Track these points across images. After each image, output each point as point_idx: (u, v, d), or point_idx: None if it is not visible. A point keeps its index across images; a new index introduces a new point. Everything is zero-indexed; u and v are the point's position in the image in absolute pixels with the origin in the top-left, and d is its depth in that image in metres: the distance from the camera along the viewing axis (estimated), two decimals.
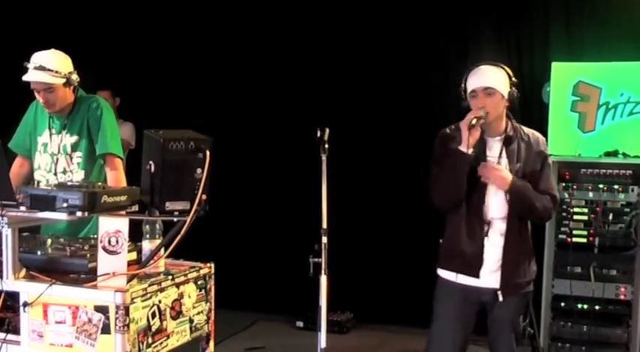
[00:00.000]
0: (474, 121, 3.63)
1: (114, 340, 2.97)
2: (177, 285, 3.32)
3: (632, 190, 5.29)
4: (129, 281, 3.06)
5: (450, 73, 6.53)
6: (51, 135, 4.42)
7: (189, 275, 3.41)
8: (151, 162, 3.11)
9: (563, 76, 5.65)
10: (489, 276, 3.83)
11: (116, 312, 2.95)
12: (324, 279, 3.57)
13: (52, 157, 4.41)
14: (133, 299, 2.99)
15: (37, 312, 3.10)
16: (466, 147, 3.65)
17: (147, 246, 3.32)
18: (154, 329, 3.14)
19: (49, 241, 3.52)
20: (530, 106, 6.19)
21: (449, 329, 3.92)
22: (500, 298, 3.83)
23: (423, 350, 4.13)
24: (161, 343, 3.20)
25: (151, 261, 3.23)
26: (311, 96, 6.84)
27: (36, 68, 4.20)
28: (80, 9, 7.38)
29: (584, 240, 5.38)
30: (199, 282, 3.48)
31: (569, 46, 6.17)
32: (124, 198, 3.19)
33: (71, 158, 4.39)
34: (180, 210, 3.13)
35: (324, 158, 3.69)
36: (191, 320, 3.42)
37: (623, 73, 5.56)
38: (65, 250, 3.36)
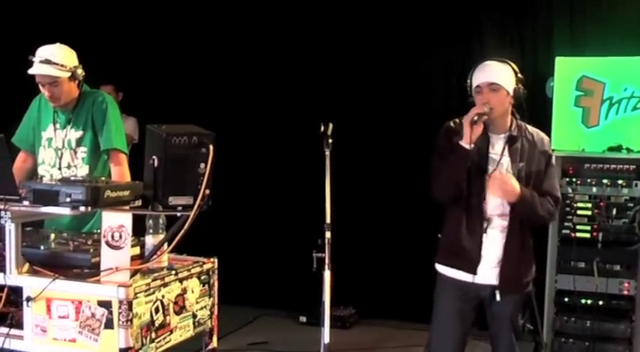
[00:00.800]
0: (475, 117, 3.61)
1: (117, 335, 2.97)
2: (181, 280, 3.32)
3: (636, 185, 5.27)
4: (132, 276, 3.06)
5: (454, 69, 6.55)
6: (55, 129, 4.42)
7: (193, 270, 3.42)
8: (154, 156, 3.12)
9: (567, 71, 5.63)
10: (488, 273, 3.81)
11: (119, 307, 2.96)
12: (327, 274, 3.57)
13: (56, 152, 4.41)
14: (136, 294, 2.99)
15: (41, 307, 3.10)
16: (467, 143, 3.62)
17: (150, 240, 3.33)
18: (157, 324, 3.14)
19: (53, 236, 3.53)
20: (533, 101, 6.18)
21: (448, 324, 3.92)
22: (498, 297, 3.81)
23: (425, 346, 4.13)
24: (164, 338, 3.20)
25: (154, 256, 3.23)
26: (315, 91, 6.83)
27: (41, 61, 4.21)
28: (84, 4, 7.36)
29: (587, 235, 5.36)
30: (202, 277, 3.48)
31: (573, 41, 6.15)
32: (127, 192, 3.19)
33: (76, 153, 4.39)
34: (184, 205, 3.13)
35: (327, 153, 3.68)
36: (194, 315, 3.43)
37: (627, 68, 5.54)
38: (68, 245, 3.37)
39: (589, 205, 5.37)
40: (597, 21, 6.08)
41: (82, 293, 3.03)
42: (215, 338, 3.62)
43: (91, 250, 3.22)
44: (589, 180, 5.37)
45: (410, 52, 6.64)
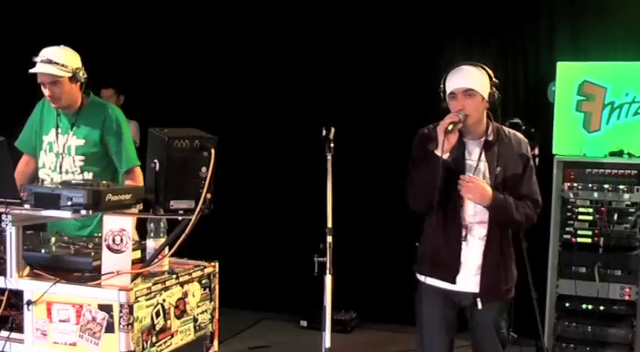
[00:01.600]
0: (450, 127, 3.53)
1: (118, 339, 2.96)
2: (182, 284, 3.31)
3: (638, 190, 5.28)
4: (133, 279, 3.05)
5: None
6: (57, 134, 4.41)
7: (194, 274, 3.41)
8: (155, 160, 3.11)
9: (569, 76, 5.63)
10: (468, 281, 3.77)
11: (120, 311, 2.95)
12: (329, 279, 3.56)
13: (57, 156, 4.41)
14: (137, 297, 2.98)
15: (41, 311, 3.09)
16: (441, 152, 3.55)
17: (151, 244, 3.32)
18: (157, 328, 3.13)
19: (53, 239, 3.52)
20: (535, 106, 6.20)
21: (437, 333, 3.88)
22: (480, 306, 3.77)
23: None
24: (165, 342, 3.19)
25: (155, 260, 3.22)
26: (317, 95, 6.83)
27: (43, 61, 4.21)
28: (85, 7, 7.37)
29: (588, 240, 5.37)
30: (203, 281, 3.47)
31: (575, 46, 6.16)
32: (128, 196, 3.18)
33: (74, 160, 4.39)
34: (185, 209, 3.12)
35: (329, 157, 3.67)
36: (195, 319, 3.42)
37: (629, 73, 5.55)
38: (69, 248, 3.36)
39: (590, 210, 5.37)
40: (599, 26, 6.09)
41: (82, 296, 3.02)
42: (216, 342, 3.61)
43: (92, 254, 3.21)
44: (590, 185, 5.38)
45: (412, 56, 6.64)
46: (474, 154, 3.75)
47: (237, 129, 6.85)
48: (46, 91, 4.30)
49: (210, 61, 7.25)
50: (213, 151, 3.11)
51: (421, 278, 3.93)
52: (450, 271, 3.76)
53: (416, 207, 3.79)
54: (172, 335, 3.24)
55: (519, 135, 3.88)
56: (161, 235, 3.31)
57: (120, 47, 7.28)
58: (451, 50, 6.49)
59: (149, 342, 3.08)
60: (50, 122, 4.46)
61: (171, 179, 3.10)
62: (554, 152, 5.52)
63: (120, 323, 2.95)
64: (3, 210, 3.05)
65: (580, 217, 5.39)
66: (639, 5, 5.98)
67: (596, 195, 5.36)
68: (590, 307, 5.36)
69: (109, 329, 2.98)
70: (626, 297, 5.30)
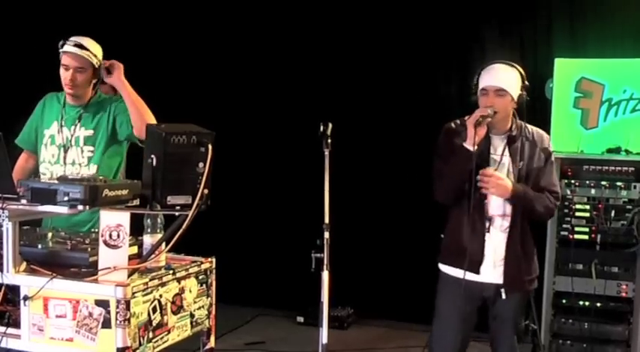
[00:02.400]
0: (480, 119, 3.64)
1: (114, 334, 2.96)
2: (179, 280, 3.31)
3: (635, 187, 5.27)
4: (130, 275, 3.05)
5: (453, 69, 6.56)
6: (61, 127, 4.40)
7: (191, 270, 3.40)
8: (152, 155, 3.10)
9: (566, 72, 5.62)
10: (491, 272, 3.85)
11: (117, 306, 2.94)
12: (326, 275, 3.56)
13: (59, 149, 4.39)
14: (133, 293, 2.97)
15: (38, 306, 3.09)
16: (471, 145, 3.65)
17: (148, 240, 3.32)
18: (154, 323, 3.13)
19: (50, 235, 3.51)
20: (532, 102, 6.17)
21: (450, 324, 3.94)
22: (504, 296, 3.84)
23: (425, 345, 4.13)
24: (162, 338, 3.19)
25: (152, 256, 3.22)
26: (314, 90, 6.83)
27: (75, 45, 4.25)
28: (84, 4, 7.35)
29: (585, 237, 5.36)
30: (200, 277, 3.47)
31: (573, 43, 6.16)
32: (125, 191, 3.17)
33: (82, 151, 4.38)
34: (182, 205, 3.12)
35: (326, 153, 3.67)
36: (192, 315, 3.42)
37: (627, 70, 5.54)
38: (66, 244, 3.35)
39: (587, 207, 5.37)
40: (597, 23, 6.09)
41: (79, 292, 3.01)
42: (212, 338, 3.61)
43: (89, 249, 3.21)
44: (587, 182, 5.38)
45: (409, 52, 6.64)
46: (498, 149, 3.86)
47: (234, 124, 6.84)
48: (67, 75, 4.28)
49: (207, 56, 7.24)
50: (210, 147, 3.11)
51: (443, 268, 4.00)
52: (474, 261, 3.82)
53: (445, 200, 3.91)
54: (169, 331, 3.24)
55: (541, 131, 4.03)
56: (158, 231, 3.31)
57: (117, 43, 7.24)
58: (449, 47, 6.50)
59: (146, 338, 3.07)
60: (52, 116, 4.45)
61: (168, 174, 3.09)
62: (551, 149, 5.51)
63: (117, 319, 2.95)
64: (0, 205, 3.05)
65: (577, 214, 5.38)
66: (637, 2, 5.98)
67: (593, 191, 5.36)
68: (587, 304, 5.35)
69: (106, 324, 2.97)
70: (623, 294, 5.29)
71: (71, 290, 3.03)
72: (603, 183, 5.33)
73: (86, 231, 4.18)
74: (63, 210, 3.01)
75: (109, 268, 2.99)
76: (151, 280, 3.11)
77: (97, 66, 4.32)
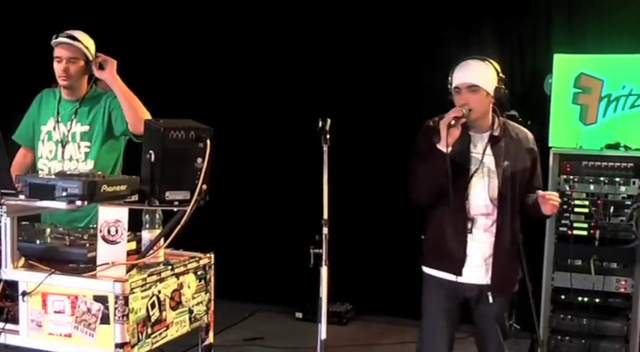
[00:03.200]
0: (452, 122, 3.56)
1: (113, 330, 2.96)
2: (177, 275, 3.31)
3: (634, 183, 5.28)
4: (128, 271, 3.05)
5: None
6: (57, 122, 4.42)
7: (189, 266, 3.40)
8: (151, 151, 3.09)
9: (565, 68, 5.62)
10: (473, 273, 3.80)
11: (115, 302, 2.94)
12: (324, 271, 3.55)
13: (56, 145, 4.41)
14: (132, 289, 2.97)
15: (36, 302, 3.09)
16: (445, 147, 3.58)
17: (146, 235, 3.31)
18: (153, 319, 3.13)
19: (48, 230, 3.51)
20: (532, 98, 6.19)
21: (439, 326, 3.91)
22: (491, 299, 3.80)
23: (417, 342, 4.14)
24: (160, 333, 3.19)
25: (151, 251, 3.22)
26: (313, 86, 6.82)
27: (68, 37, 4.30)
28: (82, 1, 7.34)
29: (584, 233, 5.36)
30: (199, 273, 3.47)
31: (572, 38, 6.15)
32: (123, 187, 3.18)
33: (79, 147, 4.39)
34: (181, 200, 3.11)
35: (325, 149, 3.66)
36: (190, 311, 3.41)
37: (625, 66, 5.54)
38: (64, 239, 3.35)
39: (586, 203, 5.37)
40: (596, 18, 6.08)
41: (78, 288, 3.01)
42: (211, 334, 3.61)
43: (87, 245, 3.21)
44: (586, 178, 5.38)
45: (408, 47, 6.64)
46: (479, 147, 3.79)
47: (233, 120, 6.83)
48: (60, 66, 4.31)
49: (206, 52, 7.23)
50: (209, 142, 3.10)
51: (426, 270, 3.96)
52: (456, 263, 3.79)
53: (418, 199, 3.85)
54: (168, 327, 3.24)
55: (525, 130, 3.94)
56: (157, 226, 3.31)
57: (116, 38, 7.23)
58: (447, 42, 6.49)
59: (144, 334, 3.07)
60: (49, 112, 4.47)
61: (166, 170, 3.08)
62: (550, 144, 5.51)
63: (115, 315, 2.95)
64: None
65: (576, 210, 5.39)
66: None
67: (592, 187, 5.36)
68: (585, 300, 5.36)
69: (104, 320, 2.97)
70: (622, 290, 5.30)
71: (70, 285, 3.03)
72: (602, 178, 5.33)
73: (84, 226, 4.21)
74: (61, 205, 3.01)
75: (108, 264, 2.99)
76: (149, 276, 3.11)
77: (89, 58, 4.35)
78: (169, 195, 3.10)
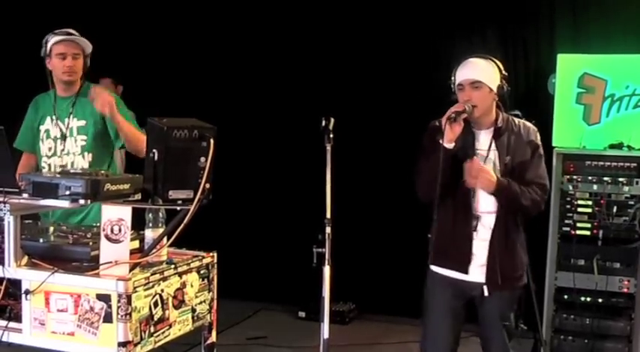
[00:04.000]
0: (453, 115, 3.59)
1: (116, 329, 2.96)
2: (180, 274, 3.31)
3: (637, 183, 5.27)
4: (131, 269, 3.05)
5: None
6: (54, 120, 4.51)
7: (192, 265, 3.40)
8: (154, 150, 3.10)
9: (569, 68, 5.61)
10: (478, 271, 3.80)
11: (118, 301, 2.95)
12: (327, 270, 3.56)
13: (54, 141, 4.51)
14: (135, 287, 2.98)
15: (39, 300, 3.09)
16: (447, 142, 3.60)
17: (149, 234, 3.32)
18: (156, 318, 3.13)
19: (52, 229, 3.52)
20: (535, 98, 6.19)
21: (442, 323, 3.91)
22: (486, 293, 3.79)
23: (419, 342, 4.13)
24: (163, 332, 3.19)
25: (154, 250, 3.22)
26: (316, 85, 6.82)
27: (68, 34, 4.43)
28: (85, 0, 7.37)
29: (587, 233, 5.36)
30: (202, 271, 3.47)
31: (575, 38, 6.14)
32: (127, 186, 3.18)
33: (76, 140, 4.48)
34: (184, 199, 3.11)
35: (328, 148, 3.66)
36: (193, 310, 3.42)
37: (629, 66, 5.53)
38: (68, 238, 3.35)
39: (589, 203, 5.36)
40: (599, 18, 6.07)
41: (81, 286, 3.02)
42: (214, 333, 3.61)
43: (91, 243, 3.21)
44: (590, 178, 5.37)
45: (411, 46, 6.63)
46: (484, 144, 3.80)
47: (237, 119, 6.83)
48: (65, 62, 4.41)
49: (209, 50, 7.23)
50: (212, 141, 3.10)
51: (433, 268, 3.96)
52: (462, 261, 3.79)
53: (424, 197, 3.84)
54: (170, 326, 3.24)
55: (528, 124, 3.93)
56: (160, 225, 3.31)
57: (118, 37, 7.25)
58: (451, 41, 6.47)
59: (147, 332, 3.08)
60: (46, 112, 4.57)
61: (170, 169, 3.09)
62: (553, 144, 5.50)
63: (118, 313, 2.95)
64: (1, 199, 3.06)
65: (579, 210, 5.38)
66: None
67: (595, 187, 5.35)
68: (588, 299, 5.35)
69: (107, 319, 2.97)
70: (625, 290, 5.29)
71: (72, 284, 3.03)
72: (605, 178, 5.33)
73: (79, 220, 4.27)
74: (64, 204, 3.02)
75: (111, 262, 3.00)
76: (152, 274, 3.11)
77: (87, 53, 4.47)
78: (172, 193, 3.10)
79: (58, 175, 3.15)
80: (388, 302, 6.71)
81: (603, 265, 5.32)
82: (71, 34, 4.42)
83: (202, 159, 3.11)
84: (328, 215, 3.59)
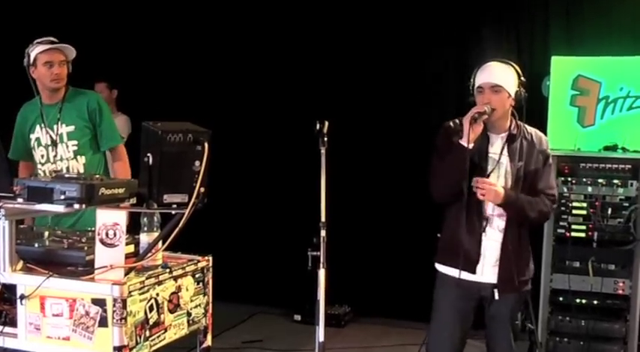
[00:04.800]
0: (476, 116, 3.63)
1: (111, 333, 2.96)
2: (175, 278, 3.31)
3: (631, 185, 5.28)
4: (126, 274, 3.05)
5: (450, 67, 6.55)
6: (43, 128, 4.58)
7: (187, 268, 3.40)
8: (149, 154, 3.10)
9: (563, 70, 5.63)
10: (487, 271, 3.83)
11: (113, 305, 2.94)
12: (322, 273, 3.56)
13: (45, 148, 4.58)
14: (130, 292, 2.98)
15: (35, 305, 3.09)
16: (467, 142, 3.63)
17: (145, 238, 3.31)
18: (151, 322, 3.13)
19: (47, 233, 3.51)
20: (529, 100, 6.18)
21: (448, 323, 3.92)
22: (497, 296, 3.82)
23: (422, 343, 4.13)
24: (158, 336, 3.19)
25: (149, 254, 3.22)
26: (310, 88, 6.82)
27: (55, 42, 4.52)
28: (77, 1, 7.35)
29: (582, 235, 5.36)
30: (197, 275, 3.47)
31: (569, 40, 6.15)
32: (121, 190, 3.18)
33: (67, 146, 4.55)
34: (179, 203, 3.12)
35: (323, 151, 3.67)
36: (189, 314, 3.42)
37: (623, 68, 5.54)
38: (62, 242, 3.35)
39: (584, 205, 5.37)
40: (593, 20, 6.08)
41: (76, 291, 3.01)
42: (209, 337, 3.61)
43: (86, 248, 3.21)
44: (584, 180, 5.38)
45: (406, 49, 6.63)
46: (496, 147, 3.84)
47: (231, 123, 6.84)
48: (53, 70, 4.49)
49: (203, 54, 7.23)
50: (206, 145, 3.11)
51: (440, 268, 3.97)
52: (470, 261, 3.80)
53: (440, 198, 3.87)
54: (166, 330, 3.24)
55: (540, 133, 3.99)
56: (154, 229, 3.31)
57: (113, 41, 7.26)
58: (446, 44, 6.49)
59: (142, 336, 3.07)
60: (34, 120, 4.64)
61: (164, 173, 3.09)
62: (550, 151, 5.50)
63: (113, 318, 2.95)
64: None
65: (574, 212, 5.39)
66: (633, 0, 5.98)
67: (590, 189, 5.36)
68: (583, 301, 5.36)
69: (103, 323, 2.97)
70: (620, 292, 5.30)
71: (68, 288, 3.03)
72: (600, 180, 5.33)
73: (71, 224, 4.29)
74: (59, 208, 3.02)
75: (106, 267, 3.00)
76: (147, 279, 3.11)
77: (69, 60, 4.57)
78: (167, 197, 3.11)
79: (52, 180, 3.14)
80: (384, 305, 6.71)
81: (598, 267, 5.33)
82: (55, 43, 4.50)
83: (197, 163, 3.11)
84: (323, 218, 3.60)
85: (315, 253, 3.55)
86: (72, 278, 3.05)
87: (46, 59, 4.46)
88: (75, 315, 3.03)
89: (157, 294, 3.17)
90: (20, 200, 3.07)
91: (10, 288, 3.14)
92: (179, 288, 3.33)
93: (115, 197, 3.14)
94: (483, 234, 3.81)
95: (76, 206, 2.99)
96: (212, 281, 3.59)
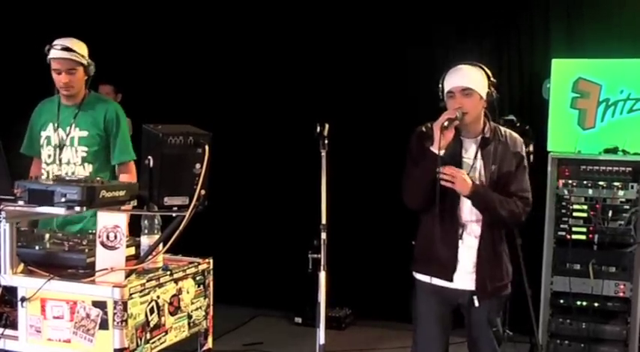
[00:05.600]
0: (446, 123, 3.56)
1: (112, 335, 2.96)
2: (176, 281, 3.31)
3: (632, 187, 5.28)
4: (127, 276, 3.05)
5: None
6: (56, 128, 4.51)
7: (188, 271, 3.40)
8: (149, 156, 3.10)
9: (563, 73, 5.62)
10: (464, 278, 3.77)
11: (114, 308, 2.94)
12: (322, 275, 3.56)
13: (54, 149, 4.51)
14: (131, 294, 2.98)
15: (35, 307, 3.09)
16: (437, 149, 3.57)
17: (145, 241, 3.32)
18: (152, 324, 3.13)
19: (47, 236, 3.51)
20: (530, 103, 6.20)
21: (431, 329, 3.90)
22: (477, 303, 3.77)
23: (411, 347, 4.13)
24: (159, 339, 3.19)
25: (150, 257, 3.22)
26: (311, 91, 6.83)
27: (62, 49, 4.37)
28: (84, 4, 7.35)
29: (583, 237, 5.36)
30: (198, 278, 3.47)
31: (570, 43, 6.15)
32: (122, 193, 3.18)
33: (76, 151, 4.48)
34: (179, 205, 3.12)
35: (323, 153, 3.67)
36: (189, 316, 3.42)
37: (624, 70, 5.54)
38: (63, 245, 3.35)
39: (585, 207, 5.37)
40: (594, 23, 6.08)
41: (76, 293, 3.02)
42: (210, 339, 3.61)
43: (86, 250, 3.21)
44: (585, 182, 5.38)
45: (406, 52, 6.64)
46: (470, 152, 3.77)
47: (232, 125, 6.84)
48: (61, 78, 4.41)
49: (205, 58, 7.24)
50: (207, 148, 3.11)
51: (417, 276, 3.94)
52: (447, 269, 3.76)
53: (411, 203, 3.81)
54: (166, 332, 3.24)
55: (515, 134, 3.90)
56: (155, 232, 3.31)
57: (118, 44, 7.26)
58: (445, 47, 6.49)
59: (143, 339, 3.07)
60: (49, 118, 4.57)
61: (165, 175, 3.09)
62: (548, 149, 5.51)
63: (114, 320, 2.95)
64: None
65: (575, 214, 5.39)
66: (634, 2, 5.98)
67: (590, 192, 5.36)
68: (584, 304, 5.36)
69: (103, 325, 2.97)
70: (621, 294, 5.30)
71: (68, 291, 3.03)
72: (601, 183, 5.34)
73: (77, 230, 4.27)
74: (60, 211, 3.01)
75: (107, 269, 3.00)
76: (148, 281, 3.11)
77: (86, 64, 4.43)
78: (168, 200, 3.11)
79: (53, 182, 3.14)
80: (384, 308, 6.70)
81: (599, 269, 5.33)
82: (68, 49, 4.36)
83: (197, 165, 3.11)
84: (324, 221, 3.60)
85: (315, 255, 3.56)
86: (73, 280, 3.05)
87: (54, 66, 4.40)
88: (76, 318, 3.03)
89: (158, 297, 3.17)
90: (21, 202, 3.07)
91: (11, 291, 3.15)
92: (180, 291, 3.33)
93: (115, 199, 3.14)
94: (460, 240, 3.75)
95: (77, 208, 2.98)
96: (213, 284, 3.59)
